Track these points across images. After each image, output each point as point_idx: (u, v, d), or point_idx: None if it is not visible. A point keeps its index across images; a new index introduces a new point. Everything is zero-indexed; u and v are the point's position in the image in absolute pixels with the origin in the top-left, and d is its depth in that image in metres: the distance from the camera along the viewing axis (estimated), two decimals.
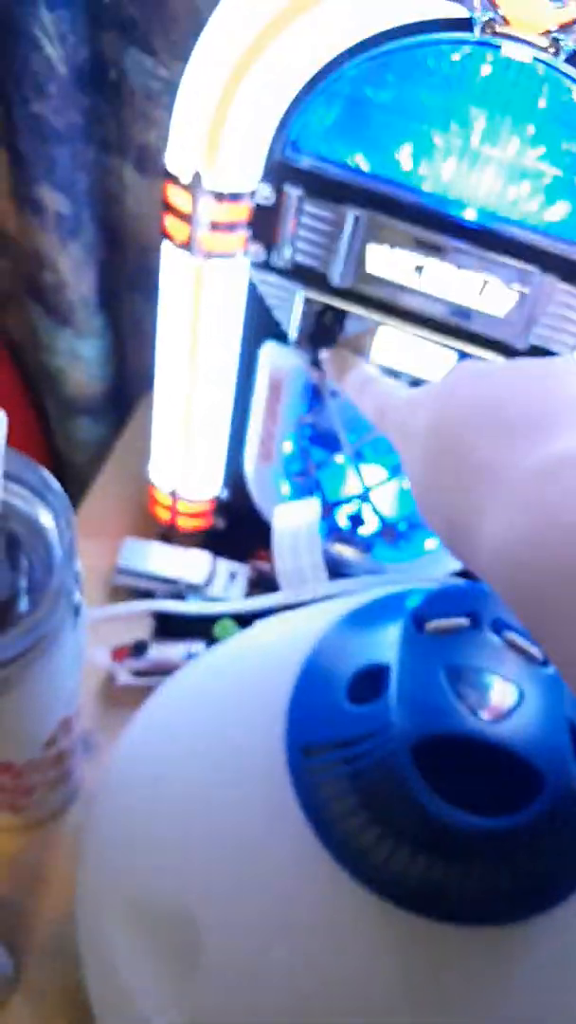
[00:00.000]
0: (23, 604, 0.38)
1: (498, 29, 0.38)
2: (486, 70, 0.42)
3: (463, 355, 0.50)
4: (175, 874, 0.38)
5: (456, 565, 0.60)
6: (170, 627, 0.62)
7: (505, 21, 0.38)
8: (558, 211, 0.45)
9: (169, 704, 0.47)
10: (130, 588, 0.64)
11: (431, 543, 0.61)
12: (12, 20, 0.54)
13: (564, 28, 0.37)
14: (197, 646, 0.60)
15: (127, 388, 0.79)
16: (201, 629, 0.60)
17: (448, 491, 0.31)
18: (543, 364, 0.32)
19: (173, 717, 0.46)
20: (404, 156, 0.46)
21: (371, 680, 0.37)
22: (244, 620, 0.59)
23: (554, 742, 0.35)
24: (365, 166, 0.47)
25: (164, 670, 0.57)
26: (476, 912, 0.32)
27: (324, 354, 0.52)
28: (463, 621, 0.39)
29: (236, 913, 0.36)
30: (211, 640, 0.60)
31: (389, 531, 0.62)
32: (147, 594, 0.64)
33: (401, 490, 0.61)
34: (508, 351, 0.49)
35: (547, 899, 0.33)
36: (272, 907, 0.35)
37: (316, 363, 0.54)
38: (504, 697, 0.37)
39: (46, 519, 0.40)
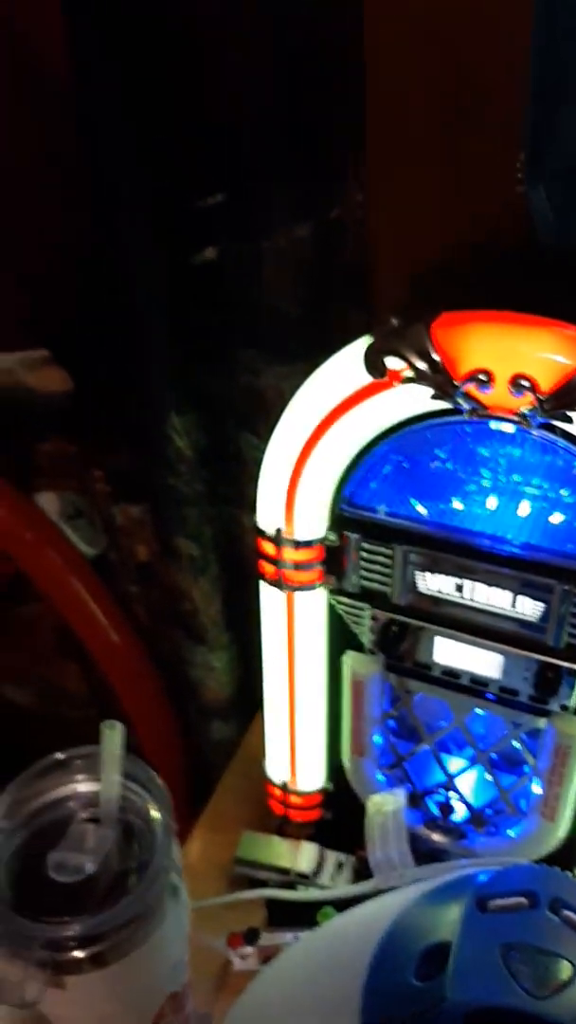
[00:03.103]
0: (132, 881, 0.47)
1: (481, 413, 0.51)
2: (487, 440, 0.55)
3: (507, 655, 0.58)
4: None
5: (545, 850, 0.64)
6: (281, 914, 0.68)
7: (485, 407, 0.51)
8: (564, 533, 0.55)
9: (264, 985, 0.52)
10: (247, 878, 0.71)
11: (513, 831, 0.65)
12: (152, 424, 0.73)
13: (532, 409, 0.50)
14: (304, 932, 0.65)
15: (253, 693, 0.90)
16: (308, 916, 0.66)
17: None
18: None
19: (266, 998, 0.51)
20: (436, 502, 0.58)
21: (436, 957, 0.42)
22: (345, 907, 0.64)
23: None
24: (406, 512, 0.59)
25: (274, 955, 0.62)
26: None
27: None
28: (522, 901, 0.44)
29: None
30: (315, 926, 0.64)
31: (477, 817, 0.67)
32: (262, 884, 0.70)
33: (483, 780, 0.67)
34: (546, 650, 0.57)
35: None
36: None
37: (390, 667, 0.63)
38: (557, 973, 0.41)
39: (153, 810, 0.49)
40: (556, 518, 0.55)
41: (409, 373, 0.51)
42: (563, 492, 0.55)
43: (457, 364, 0.50)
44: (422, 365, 0.50)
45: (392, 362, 0.51)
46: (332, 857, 0.71)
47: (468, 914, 0.43)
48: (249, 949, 0.65)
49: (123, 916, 0.44)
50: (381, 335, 0.52)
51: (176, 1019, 0.55)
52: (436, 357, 0.50)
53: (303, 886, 0.69)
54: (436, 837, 0.67)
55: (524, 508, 0.56)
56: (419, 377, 0.51)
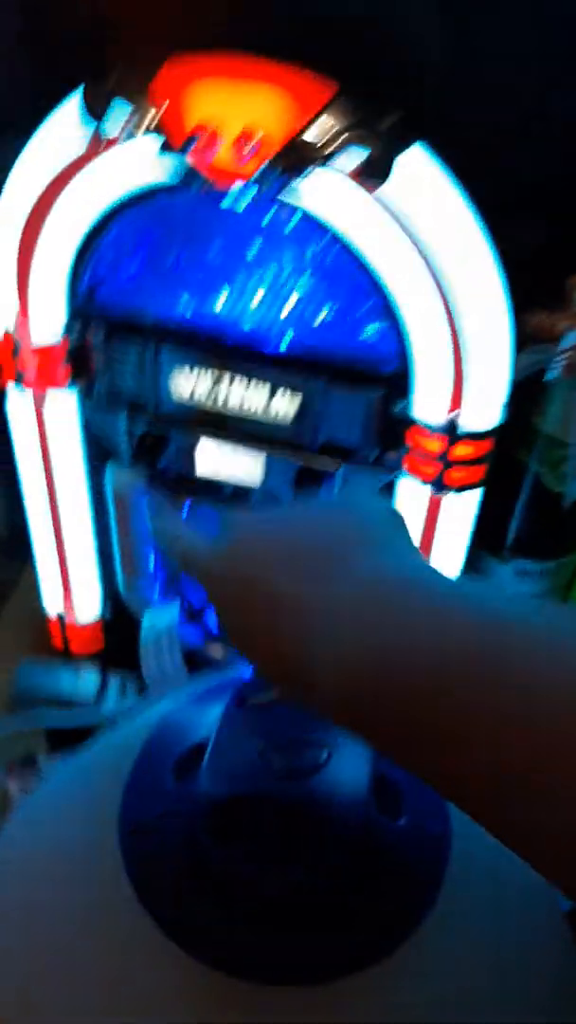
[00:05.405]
0: None
1: (210, 185, 0.46)
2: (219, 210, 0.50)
3: (270, 458, 0.55)
4: (13, 955, 0.39)
5: None
6: (62, 743, 0.65)
7: (216, 170, 0.46)
8: (313, 325, 0.52)
9: (32, 802, 0.50)
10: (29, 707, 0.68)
11: None
12: None
13: (263, 174, 0.45)
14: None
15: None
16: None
17: (262, 630, 0.29)
18: (316, 505, 0.35)
19: (32, 813, 0.49)
20: (185, 294, 0.53)
21: (196, 756, 0.41)
22: None
23: (356, 798, 0.38)
24: (155, 309, 0.54)
25: None
26: (295, 973, 0.33)
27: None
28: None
29: (71, 989, 0.37)
30: None
31: None
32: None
33: None
34: (304, 449, 0.55)
35: (363, 957, 0.33)
36: (105, 980, 0.37)
37: (151, 480, 0.60)
38: (312, 759, 0.40)
39: None
40: (312, 315, 0.52)
41: (132, 127, 0.45)
42: (301, 279, 0.51)
43: (183, 115, 0.44)
44: (147, 114, 0.44)
45: (115, 117, 0.45)
46: (116, 680, 0.69)
47: (227, 711, 0.41)
48: (28, 776, 0.63)
49: None
50: (104, 77, 0.45)
51: None
52: (159, 104, 0.44)
53: (85, 711, 0.67)
54: (215, 653, 0.66)
55: (275, 297, 0.52)
56: (140, 125, 0.44)
